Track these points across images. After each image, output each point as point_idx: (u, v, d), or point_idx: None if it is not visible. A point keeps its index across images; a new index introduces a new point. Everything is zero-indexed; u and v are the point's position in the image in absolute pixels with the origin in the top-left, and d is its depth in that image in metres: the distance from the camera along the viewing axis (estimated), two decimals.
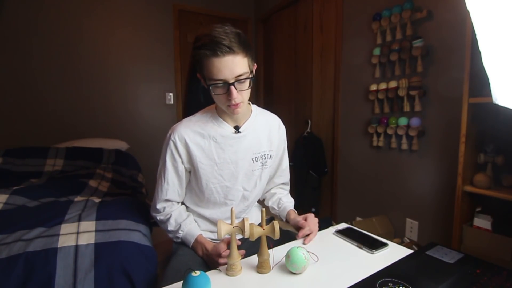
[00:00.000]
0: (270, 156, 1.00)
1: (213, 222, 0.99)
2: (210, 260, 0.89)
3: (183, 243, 0.98)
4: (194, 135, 0.91)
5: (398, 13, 1.79)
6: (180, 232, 0.95)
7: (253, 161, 0.96)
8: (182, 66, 3.02)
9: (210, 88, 0.81)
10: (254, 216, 1.09)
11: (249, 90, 0.84)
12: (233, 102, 0.80)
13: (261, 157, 0.98)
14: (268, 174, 1.04)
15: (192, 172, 0.95)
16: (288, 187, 1.17)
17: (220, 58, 0.76)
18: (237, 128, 0.92)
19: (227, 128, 0.92)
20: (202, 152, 0.91)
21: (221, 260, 0.82)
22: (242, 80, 0.80)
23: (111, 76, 2.69)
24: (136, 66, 2.79)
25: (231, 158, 0.93)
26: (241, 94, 0.81)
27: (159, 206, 0.96)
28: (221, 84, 0.79)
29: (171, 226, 0.96)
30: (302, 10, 2.73)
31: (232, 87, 0.78)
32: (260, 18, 3.35)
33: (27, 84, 2.38)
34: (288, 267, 0.68)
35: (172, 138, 0.90)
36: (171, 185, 0.94)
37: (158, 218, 0.98)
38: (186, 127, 0.91)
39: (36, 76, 2.40)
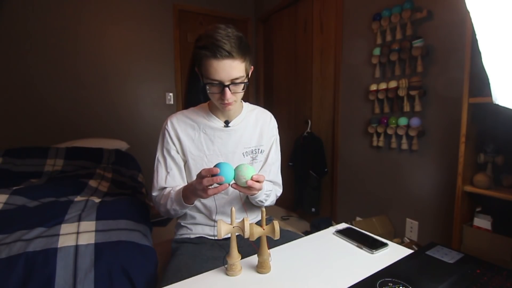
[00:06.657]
0: (261, 151, 1.02)
1: (202, 212, 0.99)
2: (200, 193, 0.79)
3: (182, 241, 0.98)
4: (185, 126, 0.96)
5: (398, 13, 1.79)
6: (171, 192, 0.91)
7: (243, 155, 0.98)
8: (182, 66, 3.02)
9: (206, 85, 0.85)
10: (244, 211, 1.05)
11: (243, 92, 0.88)
12: (226, 102, 0.85)
13: (252, 151, 1.00)
14: (258, 169, 1.04)
15: (185, 163, 0.97)
16: (276, 188, 1.08)
17: (218, 61, 0.79)
18: (227, 123, 0.97)
19: (217, 122, 0.97)
20: (192, 142, 0.95)
21: (205, 182, 0.74)
22: (237, 83, 0.84)
23: (111, 76, 2.69)
24: (136, 66, 2.79)
25: (221, 150, 0.96)
26: (235, 95, 0.86)
27: (155, 193, 0.97)
28: (216, 84, 0.83)
29: (165, 199, 0.92)
30: (302, 10, 2.73)
31: (227, 88, 0.82)
32: (260, 18, 3.35)
33: (27, 84, 2.38)
34: (238, 183, 0.77)
35: (166, 127, 0.97)
36: (171, 172, 0.96)
37: (156, 200, 0.96)
38: (179, 118, 0.97)
39: (36, 76, 2.40)
